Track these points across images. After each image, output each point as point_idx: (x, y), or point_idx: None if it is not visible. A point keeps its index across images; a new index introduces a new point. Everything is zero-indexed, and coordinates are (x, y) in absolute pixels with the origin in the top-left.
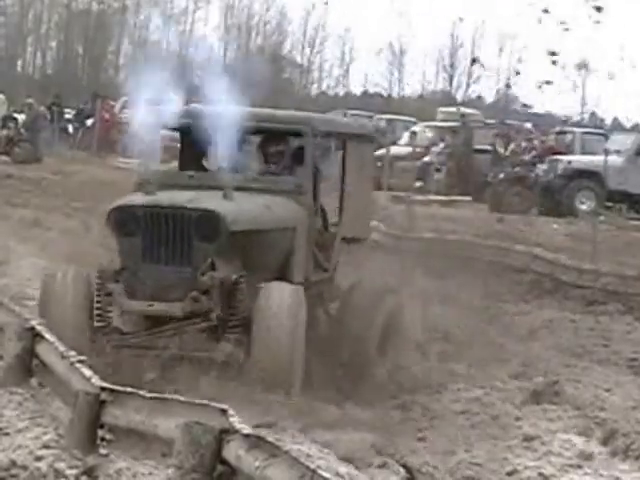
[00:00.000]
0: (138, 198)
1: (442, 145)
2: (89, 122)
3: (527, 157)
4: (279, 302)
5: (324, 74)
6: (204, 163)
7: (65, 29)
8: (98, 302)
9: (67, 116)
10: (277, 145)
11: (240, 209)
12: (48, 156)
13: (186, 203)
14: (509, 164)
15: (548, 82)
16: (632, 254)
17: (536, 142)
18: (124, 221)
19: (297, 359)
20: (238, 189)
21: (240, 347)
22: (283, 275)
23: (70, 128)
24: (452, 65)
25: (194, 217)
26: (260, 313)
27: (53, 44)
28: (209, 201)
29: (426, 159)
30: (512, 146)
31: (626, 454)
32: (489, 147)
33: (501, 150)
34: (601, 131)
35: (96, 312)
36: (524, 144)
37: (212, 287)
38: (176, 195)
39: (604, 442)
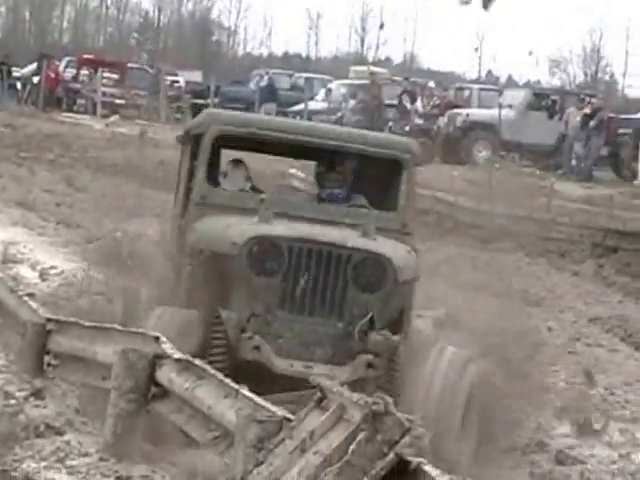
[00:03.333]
0: (280, 228)
1: (355, 101)
2: (35, 80)
3: (431, 111)
4: (446, 368)
5: (249, 37)
6: (220, 180)
7: None
8: (213, 355)
9: (15, 74)
10: (341, 168)
11: (401, 253)
12: None
13: (345, 241)
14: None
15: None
16: (523, 197)
17: (436, 97)
18: (264, 256)
19: (471, 433)
20: (324, 222)
21: None
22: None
23: (18, 85)
24: (363, 29)
25: (355, 260)
26: (423, 382)
27: (2, 9)
28: (366, 242)
29: (339, 114)
30: (418, 102)
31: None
32: (395, 102)
33: (407, 105)
34: (496, 87)
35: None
36: (425, 100)
37: (385, 351)
38: (320, 229)
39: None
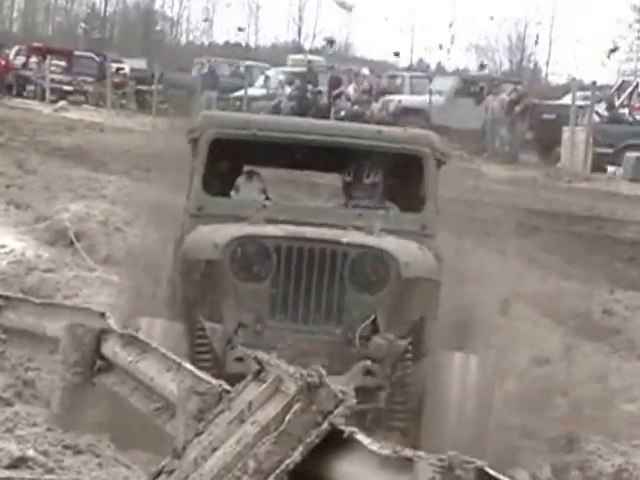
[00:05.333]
0: (268, 229)
1: (292, 87)
2: None
3: (362, 96)
4: (464, 379)
5: (191, 26)
6: (233, 195)
7: None
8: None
9: None
10: (372, 172)
11: (409, 249)
12: None
13: (339, 237)
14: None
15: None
16: (451, 180)
17: (367, 83)
18: (249, 258)
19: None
20: (333, 226)
21: (405, 439)
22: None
23: None
24: (300, 18)
25: (352, 257)
26: (438, 394)
27: None
28: (365, 237)
29: (277, 100)
30: (351, 88)
31: None
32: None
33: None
34: (426, 75)
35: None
36: (355, 85)
37: (387, 356)
38: (313, 228)
39: None
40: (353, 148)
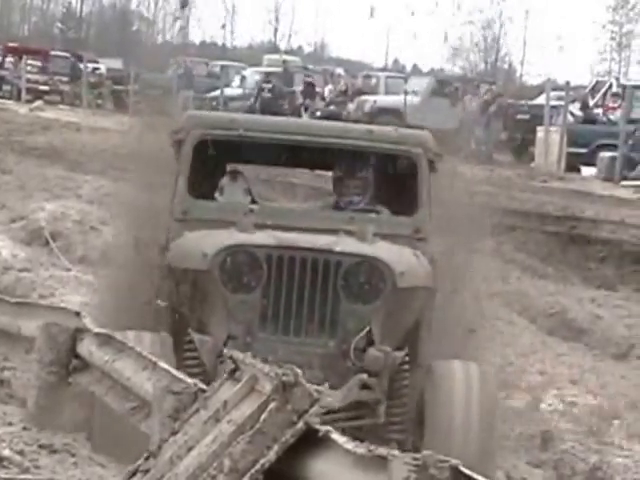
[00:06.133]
0: (259, 236)
1: (269, 86)
2: None
3: (337, 97)
4: (467, 390)
5: (167, 26)
6: (217, 197)
7: None
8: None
9: None
10: (363, 167)
11: (404, 257)
12: None
13: (332, 246)
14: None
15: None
16: None
17: (343, 84)
18: (239, 268)
19: (492, 468)
20: (323, 231)
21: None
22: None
23: None
24: (277, 19)
25: (346, 266)
26: (441, 407)
27: None
28: (359, 245)
29: (252, 99)
30: (327, 88)
31: None
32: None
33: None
34: (402, 75)
35: None
36: (331, 86)
37: (384, 369)
38: (304, 236)
39: None
40: (343, 148)
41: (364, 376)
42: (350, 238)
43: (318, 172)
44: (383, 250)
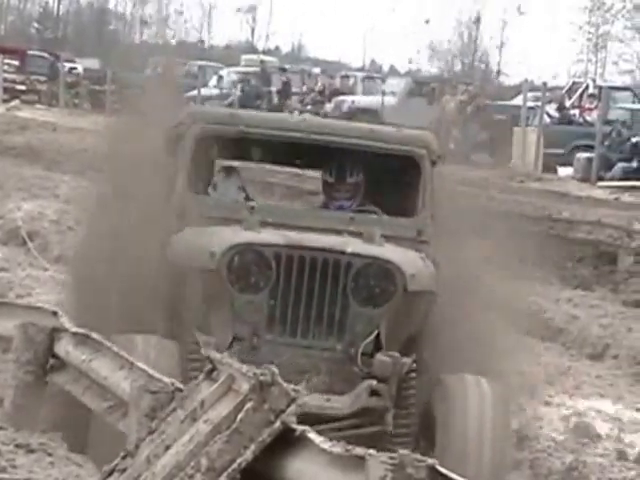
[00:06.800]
0: (267, 236)
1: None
2: None
3: (315, 96)
4: (479, 404)
5: (145, 26)
6: (210, 192)
7: None
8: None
9: None
10: (355, 171)
11: (413, 260)
12: None
13: (343, 246)
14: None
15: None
16: None
17: (320, 84)
18: (247, 268)
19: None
20: (325, 230)
21: None
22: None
23: None
24: (254, 19)
25: (356, 268)
26: (452, 425)
27: None
28: (368, 247)
29: (230, 99)
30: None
31: None
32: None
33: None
34: (379, 75)
35: None
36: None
37: (392, 375)
38: (312, 236)
39: None
40: (345, 147)
41: (373, 382)
42: (357, 239)
43: (296, 171)
44: (393, 252)
